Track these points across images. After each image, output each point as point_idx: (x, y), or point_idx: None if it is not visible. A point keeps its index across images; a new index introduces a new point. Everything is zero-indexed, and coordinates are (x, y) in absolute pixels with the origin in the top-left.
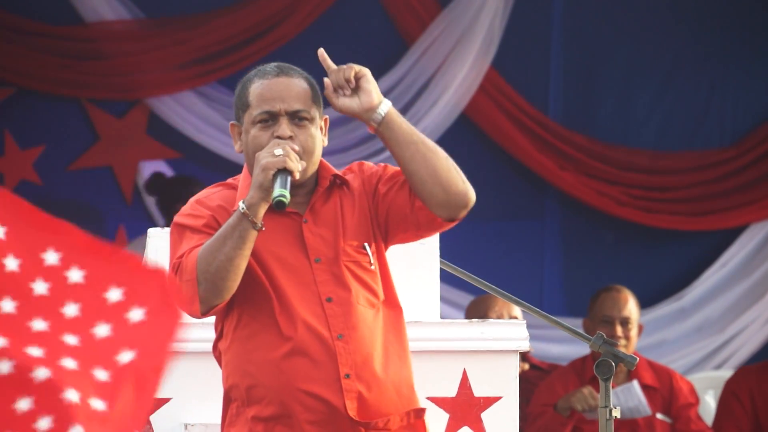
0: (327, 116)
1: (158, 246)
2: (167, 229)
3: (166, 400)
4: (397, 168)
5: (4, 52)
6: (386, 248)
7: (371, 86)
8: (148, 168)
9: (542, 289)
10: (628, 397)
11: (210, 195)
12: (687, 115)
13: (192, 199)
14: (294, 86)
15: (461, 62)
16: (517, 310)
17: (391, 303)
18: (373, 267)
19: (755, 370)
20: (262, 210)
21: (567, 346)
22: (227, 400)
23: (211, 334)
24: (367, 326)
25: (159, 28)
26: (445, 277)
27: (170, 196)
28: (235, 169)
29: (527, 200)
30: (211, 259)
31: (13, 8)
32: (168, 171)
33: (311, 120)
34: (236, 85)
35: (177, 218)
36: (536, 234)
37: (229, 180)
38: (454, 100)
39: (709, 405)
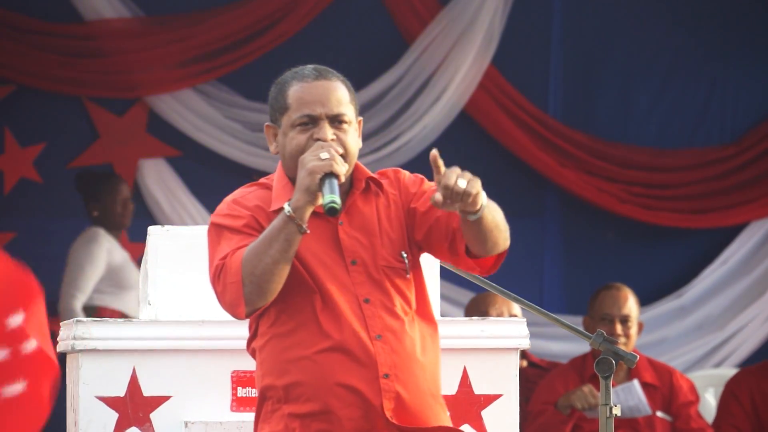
0: (361, 118)
1: (158, 244)
2: (167, 228)
3: (166, 398)
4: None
5: (4, 49)
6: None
7: (479, 198)
8: (148, 166)
9: (542, 286)
10: (629, 397)
11: (246, 195)
12: (687, 113)
13: (228, 199)
14: (334, 90)
15: (461, 60)
16: (517, 308)
17: (427, 316)
18: (408, 275)
19: (755, 370)
20: (308, 213)
21: (567, 344)
22: (262, 398)
23: (211, 332)
24: (404, 330)
25: (159, 26)
26: (445, 275)
27: (90, 193)
28: (234, 167)
29: (527, 198)
30: (257, 261)
31: (13, 6)
32: (168, 169)
33: (350, 123)
34: (236, 84)
35: (214, 218)
36: (536, 231)
37: (262, 180)
38: (454, 97)
39: (709, 403)
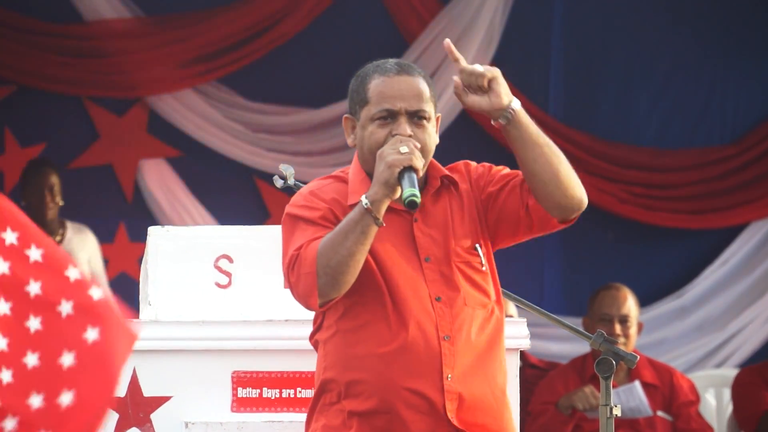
0: (440, 114)
1: (158, 244)
2: (167, 228)
3: (166, 398)
4: (505, 169)
5: (5, 49)
6: (493, 250)
7: (502, 88)
8: (148, 166)
9: (542, 287)
10: (630, 398)
11: (323, 187)
12: (687, 113)
13: (305, 190)
14: (415, 85)
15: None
16: (512, 308)
17: (502, 308)
18: (484, 268)
19: (758, 368)
20: (385, 206)
21: (567, 345)
22: (321, 391)
23: (211, 333)
24: (474, 329)
25: (159, 27)
26: None
27: (21, 183)
28: (234, 167)
29: None
30: (332, 253)
31: (14, 6)
32: (168, 169)
33: (429, 119)
34: (236, 84)
35: (290, 209)
36: None
37: (338, 172)
38: (454, 97)
39: (709, 403)
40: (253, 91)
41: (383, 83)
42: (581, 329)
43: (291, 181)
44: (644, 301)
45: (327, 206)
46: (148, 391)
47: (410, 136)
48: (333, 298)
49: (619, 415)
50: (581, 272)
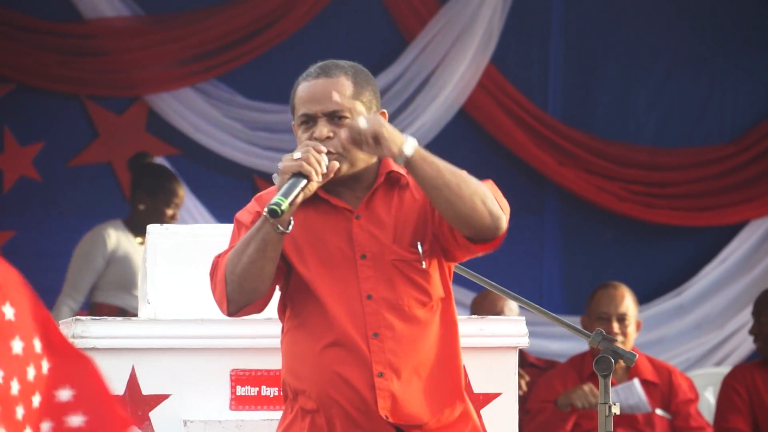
0: (385, 110)
1: (157, 242)
2: (166, 226)
3: (165, 397)
4: None
5: (3, 48)
6: (448, 260)
7: (388, 142)
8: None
9: (541, 285)
10: (629, 395)
11: (271, 191)
12: (686, 112)
13: (256, 195)
14: (332, 86)
15: (460, 58)
16: (515, 307)
17: (448, 309)
18: (424, 266)
19: (750, 366)
20: (285, 214)
21: (566, 343)
22: (282, 390)
23: (210, 331)
24: (408, 327)
25: (158, 25)
26: None
27: (146, 185)
28: (233, 166)
29: (526, 196)
30: (237, 261)
31: (12, 5)
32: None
33: (352, 117)
34: (235, 82)
35: (237, 214)
36: (535, 230)
37: None
38: (453, 96)
39: (708, 401)
40: (252, 89)
41: (303, 88)
42: (580, 328)
43: None
44: (643, 300)
45: (258, 211)
46: (146, 389)
47: (329, 137)
48: (244, 305)
49: (618, 413)
50: (580, 270)
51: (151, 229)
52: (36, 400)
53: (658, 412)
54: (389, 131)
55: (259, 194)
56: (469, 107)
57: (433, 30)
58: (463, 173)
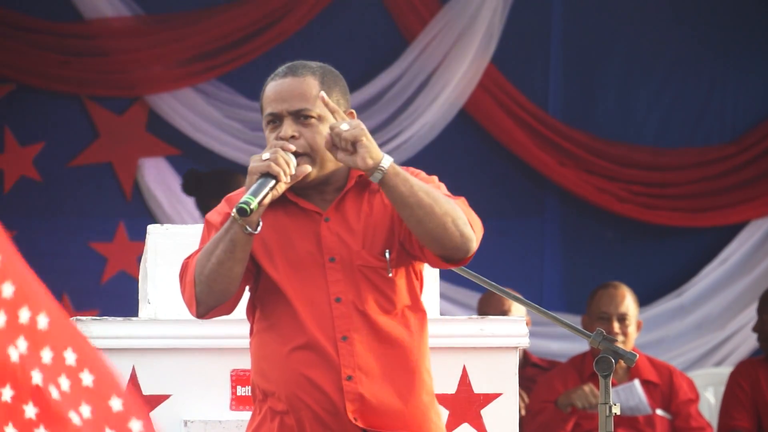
0: (353, 110)
1: (157, 242)
2: (167, 226)
3: (165, 397)
4: (440, 188)
5: (4, 48)
6: (414, 262)
7: (364, 150)
8: (148, 165)
9: (542, 285)
10: (629, 396)
11: (241, 192)
12: (687, 112)
13: (226, 196)
14: (299, 86)
15: (461, 59)
16: (521, 309)
17: (412, 318)
18: (390, 275)
19: (754, 362)
20: (253, 214)
21: (566, 343)
22: (252, 391)
23: (210, 331)
24: (375, 331)
25: (159, 25)
26: (445, 274)
27: (206, 193)
28: (233, 166)
29: (527, 197)
30: (205, 261)
31: (13, 5)
32: (168, 168)
33: (318, 117)
34: (236, 83)
35: (207, 214)
36: (536, 231)
37: None
38: (453, 96)
39: (709, 401)
40: (253, 89)
41: (270, 88)
42: (580, 328)
43: None
44: (644, 300)
45: (228, 212)
46: (147, 389)
47: (294, 137)
48: (214, 307)
49: (618, 413)
50: (580, 271)
51: (151, 229)
52: (86, 410)
53: (659, 412)
54: (369, 141)
55: (229, 195)
56: (469, 107)
57: (433, 30)
58: (436, 192)
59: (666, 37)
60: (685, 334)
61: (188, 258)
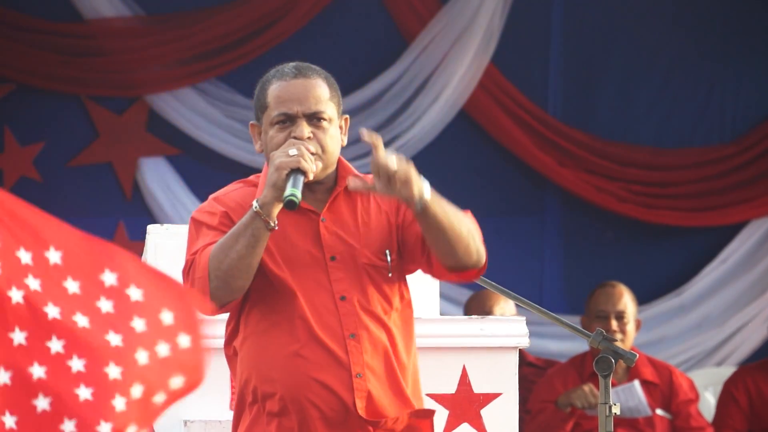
0: (347, 116)
1: (157, 242)
2: (166, 226)
3: None
4: None
5: (4, 48)
6: (407, 272)
7: (415, 185)
8: (148, 164)
9: (542, 285)
10: (629, 397)
11: (229, 192)
12: (687, 112)
13: (211, 196)
14: (312, 87)
15: (461, 59)
16: (512, 307)
17: (406, 319)
18: (390, 275)
19: (752, 368)
20: (276, 209)
21: (566, 343)
22: (241, 394)
23: (210, 331)
24: (379, 328)
25: (159, 25)
26: None
27: None
28: (234, 166)
29: (527, 197)
30: (223, 257)
31: (13, 5)
32: (167, 167)
33: (329, 120)
34: (236, 82)
35: (194, 214)
36: (536, 230)
37: (251, 177)
38: (453, 96)
39: (709, 402)
40: (252, 89)
41: (281, 87)
42: (580, 328)
43: None
44: (643, 299)
45: (224, 211)
46: None
47: (309, 138)
48: (227, 303)
49: (618, 413)
50: (580, 270)
51: (151, 229)
52: (139, 323)
53: (659, 412)
54: (415, 174)
55: (215, 195)
56: (469, 108)
57: (433, 30)
58: (458, 211)
59: (666, 38)
60: (684, 334)
61: (193, 254)
